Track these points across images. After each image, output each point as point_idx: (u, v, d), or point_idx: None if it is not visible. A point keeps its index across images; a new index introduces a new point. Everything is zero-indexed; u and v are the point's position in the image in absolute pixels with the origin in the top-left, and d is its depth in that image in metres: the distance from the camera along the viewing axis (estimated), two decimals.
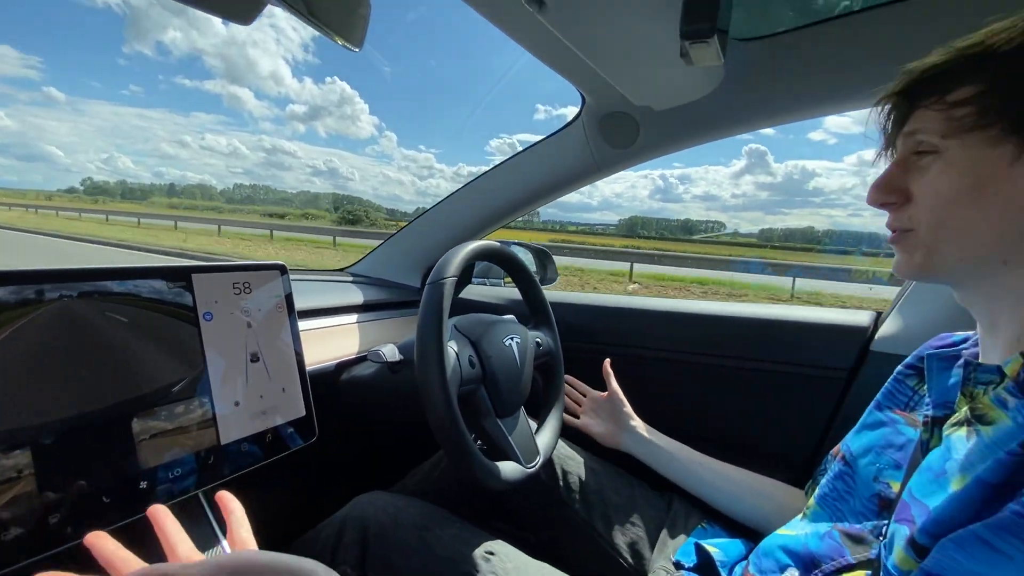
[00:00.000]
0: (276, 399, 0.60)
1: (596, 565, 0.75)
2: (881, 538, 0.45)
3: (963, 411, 0.39)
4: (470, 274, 1.27)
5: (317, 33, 0.45)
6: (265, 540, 0.74)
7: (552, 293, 1.12)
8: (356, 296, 1.04)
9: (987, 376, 0.39)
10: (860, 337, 0.88)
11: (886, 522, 0.45)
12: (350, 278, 1.23)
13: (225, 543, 0.52)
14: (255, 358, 0.59)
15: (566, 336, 0.92)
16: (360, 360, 0.84)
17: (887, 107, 0.43)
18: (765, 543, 0.57)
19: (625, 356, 1.06)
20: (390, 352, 0.68)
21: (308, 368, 0.68)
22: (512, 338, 0.76)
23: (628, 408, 0.87)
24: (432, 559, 0.60)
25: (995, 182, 0.37)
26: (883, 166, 0.46)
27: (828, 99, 0.79)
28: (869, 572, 0.43)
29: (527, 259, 1.36)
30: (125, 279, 0.49)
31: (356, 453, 1.15)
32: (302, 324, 0.82)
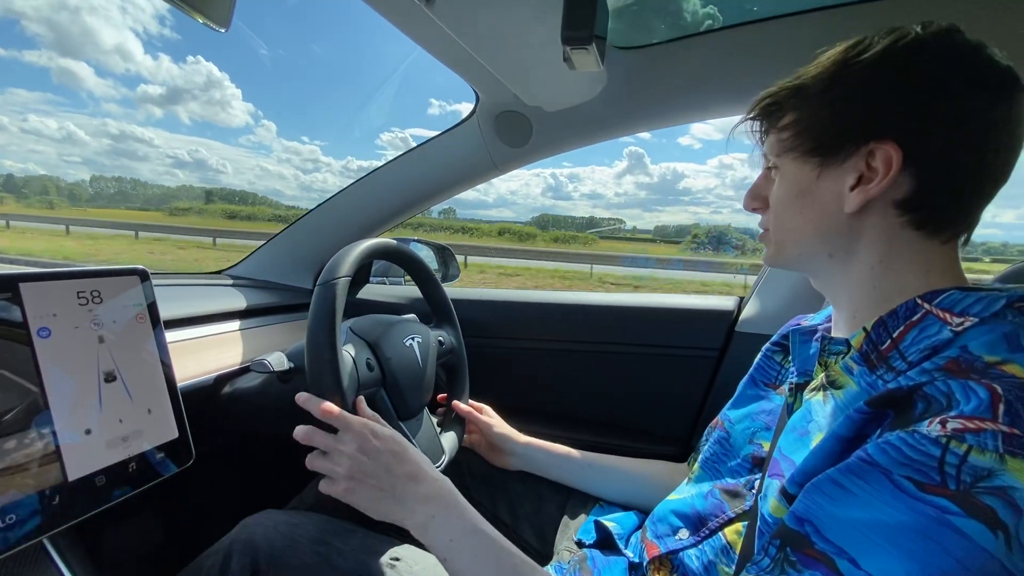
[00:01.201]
0: (140, 422, 0.53)
1: None
2: (754, 491, 0.51)
3: (819, 378, 0.46)
4: (368, 273, 1.22)
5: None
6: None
7: (454, 290, 1.11)
8: (238, 301, 0.95)
9: (838, 347, 0.46)
10: (726, 320, 0.99)
11: (758, 477, 0.52)
12: (230, 281, 1.12)
13: None
14: (111, 377, 0.51)
15: (469, 332, 0.92)
16: (244, 371, 0.77)
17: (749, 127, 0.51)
18: (658, 510, 0.62)
19: (523, 348, 1.10)
20: (277, 360, 0.63)
21: (181, 384, 0.61)
22: (413, 338, 0.75)
23: (504, 430, 0.84)
24: (333, 574, 0.57)
25: (809, 192, 0.45)
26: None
27: (697, 107, 0.88)
28: (746, 522, 0.49)
29: (428, 256, 1.34)
30: None
31: (246, 472, 1.05)
32: (174, 335, 0.74)
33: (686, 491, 0.61)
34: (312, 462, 0.55)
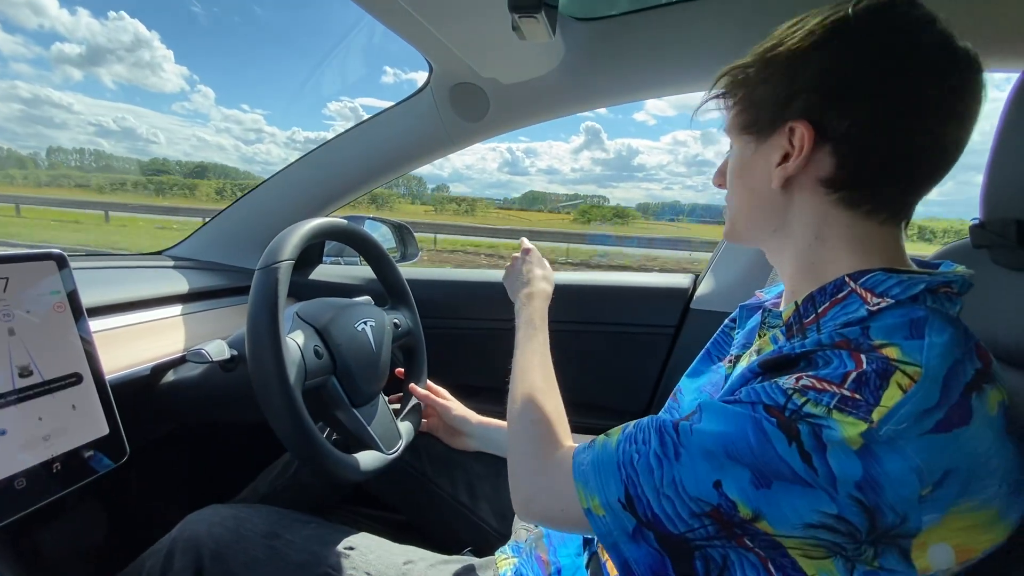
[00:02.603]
0: (63, 419, 0.49)
1: (464, 536, 0.76)
2: None
3: (753, 347, 0.48)
4: (320, 253, 1.17)
5: None
6: None
7: (410, 270, 1.08)
8: (178, 284, 0.90)
9: (775, 320, 0.48)
10: (682, 297, 1.01)
11: None
12: (170, 262, 1.05)
13: None
14: (26, 372, 0.47)
15: (426, 313, 0.90)
16: (182, 361, 0.73)
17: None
18: None
19: (481, 328, 1.08)
20: (216, 350, 0.59)
21: (112, 376, 0.57)
22: (365, 322, 0.72)
23: (461, 412, 0.84)
24: (284, 567, 0.56)
25: (748, 168, 0.46)
26: (719, 146, 0.55)
27: (658, 82, 0.87)
28: None
29: (384, 235, 1.29)
30: None
31: (190, 466, 1.01)
32: (105, 322, 0.69)
33: None
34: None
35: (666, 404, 0.67)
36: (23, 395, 0.46)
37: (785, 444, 0.33)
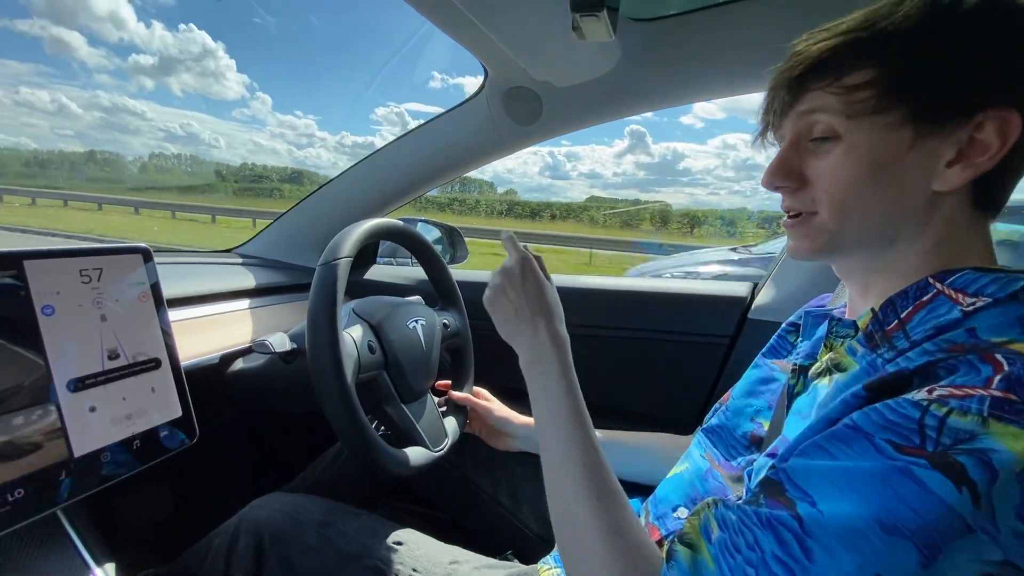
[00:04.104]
0: (144, 400, 0.54)
1: (505, 538, 0.76)
2: (746, 466, 0.50)
3: (824, 360, 0.44)
4: (374, 254, 1.21)
5: None
6: (152, 553, 0.67)
7: (460, 272, 1.10)
8: (245, 280, 0.96)
9: (845, 330, 0.43)
10: (739, 306, 0.97)
11: (756, 456, 0.50)
12: (239, 260, 1.13)
13: (96, 571, 0.46)
14: (114, 355, 0.51)
15: (474, 314, 0.92)
16: (248, 351, 0.78)
17: (776, 89, 0.43)
18: (658, 490, 0.62)
19: None
20: (279, 341, 0.63)
21: (186, 363, 0.61)
22: (416, 321, 0.74)
23: (504, 413, 0.83)
24: (336, 556, 0.58)
25: (892, 166, 0.37)
26: (769, 149, 0.47)
27: (716, 83, 0.84)
28: None
29: (435, 238, 1.32)
30: None
31: (251, 451, 1.07)
32: (180, 313, 0.74)
33: (684, 466, 0.60)
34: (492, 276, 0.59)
35: (711, 411, 0.65)
36: (110, 376, 0.51)
37: (953, 490, 0.27)
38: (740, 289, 0.99)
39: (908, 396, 0.31)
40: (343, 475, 0.85)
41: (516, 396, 0.89)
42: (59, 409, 0.46)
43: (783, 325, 0.63)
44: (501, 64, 0.80)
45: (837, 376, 0.41)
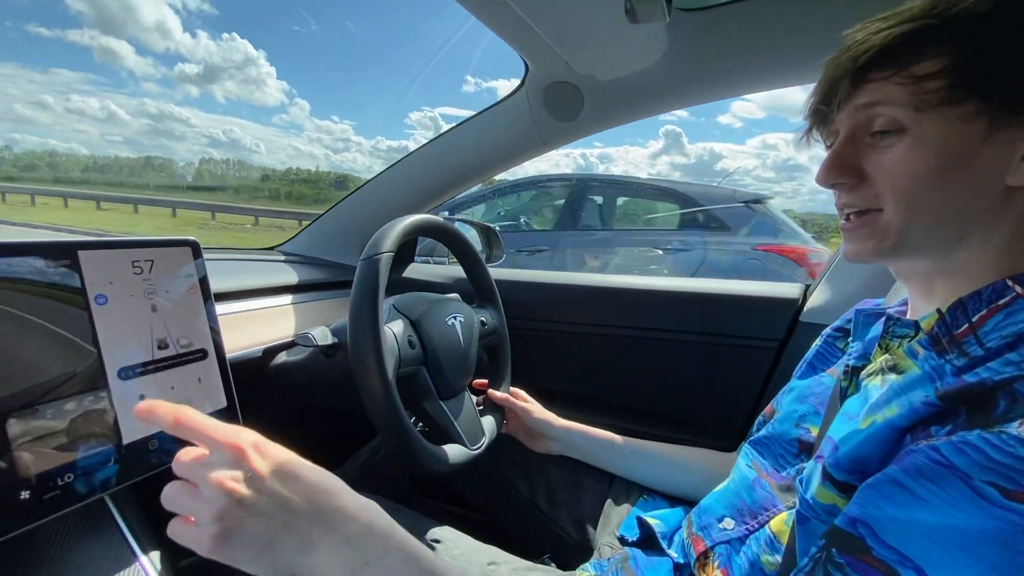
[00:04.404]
0: (191, 390, 0.54)
1: (543, 543, 0.74)
2: (796, 474, 0.47)
3: (879, 361, 0.41)
4: (413, 251, 1.22)
5: None
6: (189, 550, 0.69)
7: (498, 271, 1.09)
8: (288, 276, 0.97)
9: (903, 330, 0.41)
10: (790, 309, 0.92)
11: (805, 464, 0.47)
12: (281, 257, 1.15)
13: (142, 558, 0.47)
14: (163, 345, 0.52)
15: (512, 314, 0.90)
16: (290, 345, 0.78)
17: (833, 80, 0.40)
18: (704, 502, 0.59)
19: (568, 332, 1.06)
20: (321, 335, 0.63)
21: (230, 355, 0.62)
22: (455, 317, 0.73)
23: (543, 415, 0.81)
24: None
25: (964, 161, 0.35)
26: (813, 147, 0.45)
27: (764, 75, 0.81)
28: (793, 509, 0.45)
29: (472, 237, 1.32)
30: None
31: (290, 444, 1.09)
32: (225, 307, 0.76)
33: (730, 478, 0.58)
34: (167, 499, 0.36)
35: (757, 421, 0.62)
36: (159, 365, 0.52)
37: None
38: (791, 290, 0.94)
39: (1010, 430, 0.27)
40: (380, 471, 0.85)
41: (551, 397, 0.87)
42: (110, 396, 0.47)
43: (827, 331, 0.60)
44: (543, 59, 0.79)
45: (892, 378, 0.38)
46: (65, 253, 0.46)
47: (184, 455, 0.36)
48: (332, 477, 0.37)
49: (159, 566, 0.48)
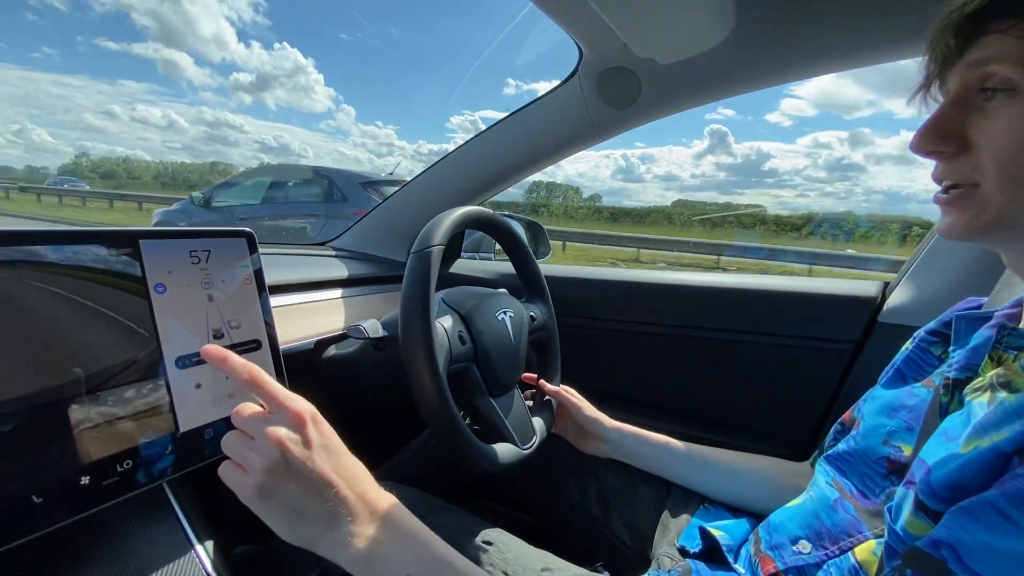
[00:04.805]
0: None
1: (596, 549, 0.71)
2: (886, 500, 0.42)
3: (988, 375, 0.36)
4: (460, 246, 1.20)
5: None
6: (241, 538, 0.69)
7: (544, 267, 1.06)
8: (338, 270, 0.98)
9: (1020, 341, 0.36)
10: (867, 308, 0.84)
11: (895, 486, 0.42)
12: (332, 252, 1.16)
13: (197, 546, 0.47)
14: (219, 334, 0.52)
15: (560, 311, 0.87)
16: (341, 337, 0.78)
17: (941, 33, 0.36)
18: (774, 516, 0.54)
19: (620, 331, 1.02)
20: (372, 327, 0.62)
21: (283, 346, 0.62)
22: (505, 312, 0.71)
23: (594, 414, 0.77)
24: None
25: None
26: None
27: (844, 52, 0.73)
28: (882, 539, 0.40)
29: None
30: (60, 244, 0.42)
31: (342, 436, 1.10)
32: (277, 299, 0.76)
33: (807, 495, 0.53)
34: (227, 443, 0.40)
35: (833, 431, 0.56)
36: None
37: None
38: (868, 288, 0.86)
39: None
40: (428, 468, 0.84)
41: (600, 398, 0.83)
42: (168, 384, 0.47)
43: (920, 334, 0.53)
44: (600, 42, 0.75)
45: (1004, 396, 0.33)
46: (127, 242, 0.47)
47: (244, 409, 0.39)
48: (364, 468, 0.42)
49: (213, 554, 0.48)
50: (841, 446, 0.52)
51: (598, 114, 0.87)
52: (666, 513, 0.70)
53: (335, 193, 4.36)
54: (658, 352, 0.98)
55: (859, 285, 0.87)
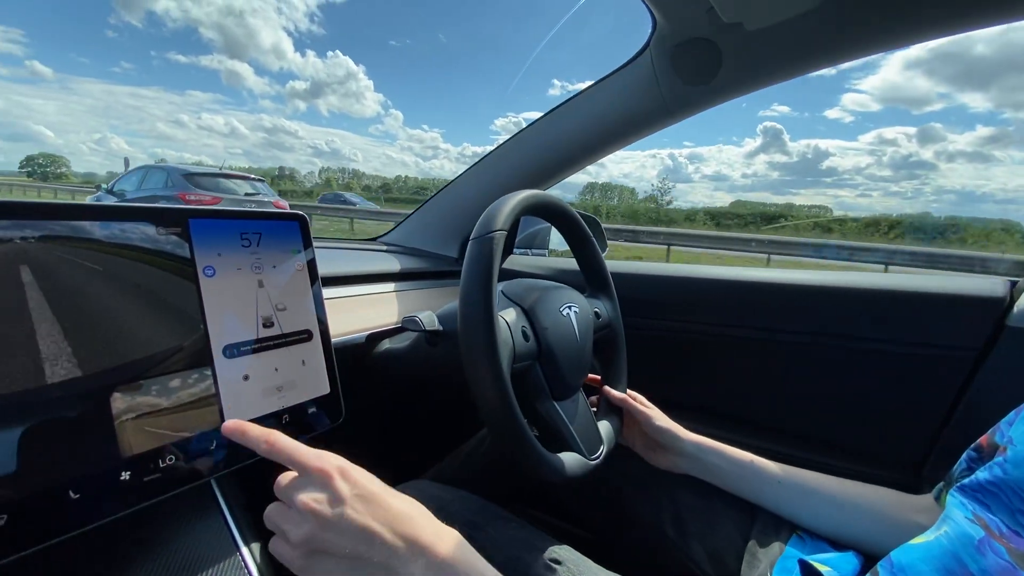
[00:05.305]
0: (294, 373, 0.50)
1: (668, 574, 0.63)
2: None
3: None
4: (514, 239, 1.15)
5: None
6: None
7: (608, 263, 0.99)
8: (389, 264, 0.94)
9: None
10: (993, 310, 0.72)
11: None
12: (383, 247, 1.14)
13: (244, 551, 0.43)
14: (268, 323, 0.49)
15: (623, 311, 0.79)
16: (395, 331, 0.74)
17: None
18: (901, 556, 0.45)
19: (692, 332, 0.92)
20: (428, 319, 0.57)
21: (333, 339, 0.58)
22: (570, 307, 0.64)
23: (667, 424, 0.69)
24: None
25: None
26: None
27: (965, 9, 0.63)
28: None
29: None
30: (107, 220, 0.40)
31: (386, 436, 1.06)
32: (328, 291, 0.73)
33: (936, 532, 0.43)
34: (268, 519, 0.38)
35: (965, 457, 0.48)
36: (264, 344, 0.48)
37: None
38: (994, 287, 0.74)
39: None
40: (480, 472, 0.78)
41: (668, 408, 0.75)
42: (215, 375, 0.44)
43: None
44: (679, 8, 0.68)
45: None
46: (176, 220, 0.44)
47: (283, 478, 0.38)
48: (413, 504, 0.38)
49: (259, 556, 0.44)
50: (981, 475, 0.43)
51: (671, 92, 0.79)
52: (753, 541, 0.61)
53: (169, 182, 6.57)
54: (737, 357, 0.88)
55: (982, 283, 0.75)
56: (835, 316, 0.79)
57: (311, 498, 0.35)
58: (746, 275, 0.88)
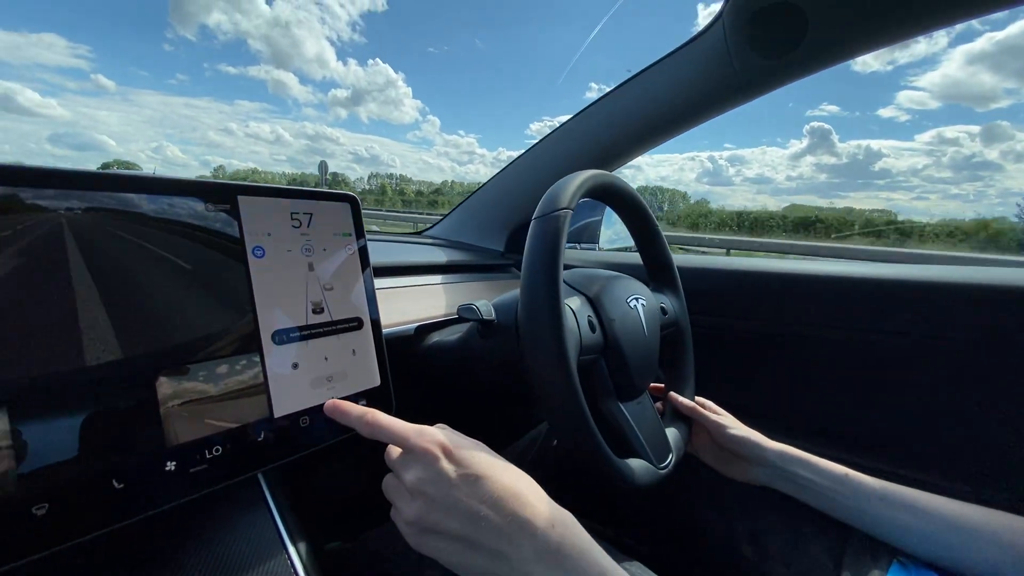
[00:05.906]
0: (344, 363, 0.47)
1: None
2: None
3: None
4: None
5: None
6: (327, 534, 0.63)
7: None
8: (435, 257, 0.91)
9: None
10: None
11: None
12: (429, 240, 1.11)
13: (291, 549, 0.40)
14: (318, 309, 0.46)
15: (691, 308, 0.72)
16: (443, 324, 0.70)
17: None
18: None
19: (768, 332, 0.84)
20: (484, 308, 0.53)
21: (384, 330, 0.55)
22: (636, 299, 0.59)
23: (744, 432, 0.62)
24: None
25: None
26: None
27: None
28: None
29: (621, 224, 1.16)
30: (155, 193, 0.37)
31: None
32: (376, 283, 0.70)
33: None
34: (386, 488, 0.38)
35: None
36: (314, 332, 0.45)
37: None
38: None
39: None
40: (535, 475, 0.74)
41: (742, 414, 0.68)
42: (263, 361, 0.41)
43: None
44: None
45: None
46: (225, 196, 0.41)
47: (391, 451, 0.38)
48: (525, 480, 0.36)
49: (304, 552, 0.40)
50: None
51: (746, 65, 0.71)
52: (848, 566, 0.54)
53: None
54: (818, 360, 0.80)
55: None
56: (953, 315, 0.69)
57: (416, 478, 0.35)
58: (829, 269, 0.79)
